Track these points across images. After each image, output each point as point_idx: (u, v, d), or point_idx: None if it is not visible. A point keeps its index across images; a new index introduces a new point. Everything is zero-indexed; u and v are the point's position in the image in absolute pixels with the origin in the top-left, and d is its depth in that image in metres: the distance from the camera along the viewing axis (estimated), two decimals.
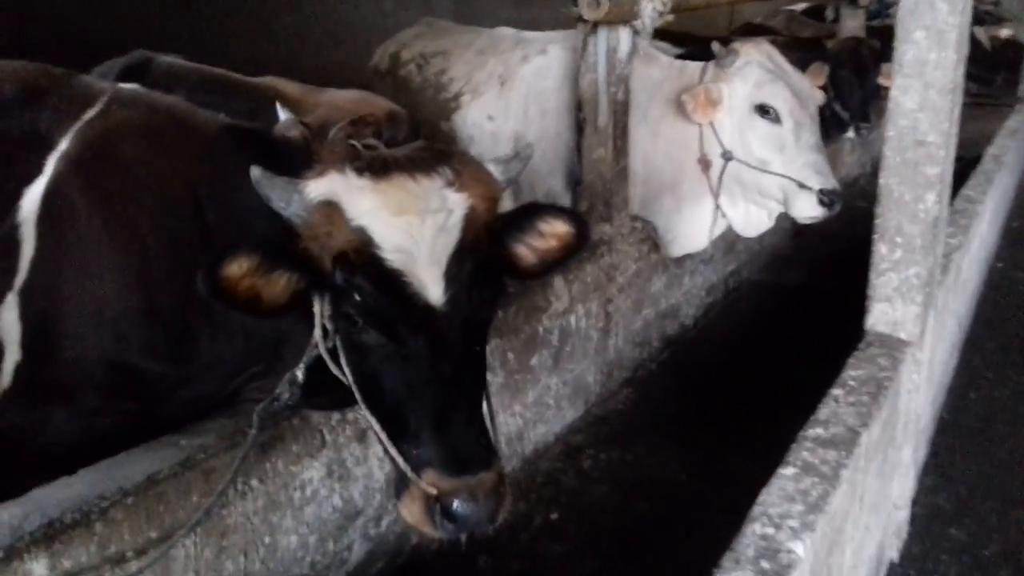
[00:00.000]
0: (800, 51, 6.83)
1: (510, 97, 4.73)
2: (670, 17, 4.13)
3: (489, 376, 3.46)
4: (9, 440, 2.60)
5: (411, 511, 2.02)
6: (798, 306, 5.85)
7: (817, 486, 2.61)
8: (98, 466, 2.27)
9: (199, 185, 2.53)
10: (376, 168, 2.06)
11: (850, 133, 6.62)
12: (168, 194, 2.52)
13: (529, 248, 2.26)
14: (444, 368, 2.00)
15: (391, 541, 3.07)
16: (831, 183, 4.04)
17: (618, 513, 3.59)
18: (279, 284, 2.05)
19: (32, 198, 2.51)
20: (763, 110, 4.09)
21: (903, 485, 3.75)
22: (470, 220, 2.09)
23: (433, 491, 1.97)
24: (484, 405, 2.28)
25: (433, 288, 2.00)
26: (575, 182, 4.21)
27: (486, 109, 4.83)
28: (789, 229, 7.06)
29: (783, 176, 4.02)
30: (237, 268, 1.98)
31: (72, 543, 2.04)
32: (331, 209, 2.03)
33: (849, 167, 8.33)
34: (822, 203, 4.03)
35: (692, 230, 4.33)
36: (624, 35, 4.08)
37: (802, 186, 4.02)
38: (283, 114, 2.93)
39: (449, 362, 2.01)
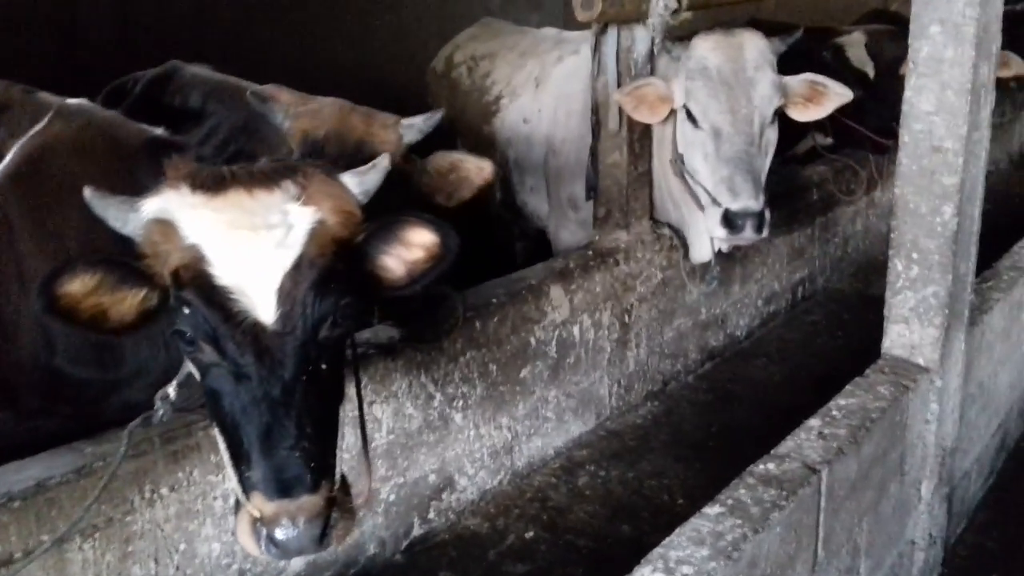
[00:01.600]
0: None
1: (543, 99, 4.61)
2: (687, 15, 3.89)
3: (466, 388, 3.46)
4: None
5: (241, 531, 2.01)
6: (882, 320, 5.39)
7: (735, 529, 2.39)
8: (2, 468, 2.39)
9: None
10: (211, 184, 2.05)
11: None
12: None
13: (396, 260, 2.20)
14: (272, 388, 1.96)
15: (339, 553, 3.07)
16: (742, 204, 3.49)
17: (598, 535, 3.44)
18: (126, 302, 2.07)
19: None
20: (687, 111, 3.67)
21: (922, 522, 3.41)
22: (316, 235, 2.05)
23: (257, 513, 1.95)
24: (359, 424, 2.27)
25: (263, 305, 1.97)
26: (591, 188, 4.05)
27: (522, 112, 4.73)
28: (886, 234, 6.54)
29: (704, 188, 3.62)
30: (80, 285, 2.01)
31: None
32: (166, 227, 2.04)
33: None
34: (727, 224, 3.52)
35: (696, 240, 4.03)
36: (640, 34, 3.89)
37: (715, 202, 3.57)
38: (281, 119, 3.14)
39: (278, 382, 1.97)
